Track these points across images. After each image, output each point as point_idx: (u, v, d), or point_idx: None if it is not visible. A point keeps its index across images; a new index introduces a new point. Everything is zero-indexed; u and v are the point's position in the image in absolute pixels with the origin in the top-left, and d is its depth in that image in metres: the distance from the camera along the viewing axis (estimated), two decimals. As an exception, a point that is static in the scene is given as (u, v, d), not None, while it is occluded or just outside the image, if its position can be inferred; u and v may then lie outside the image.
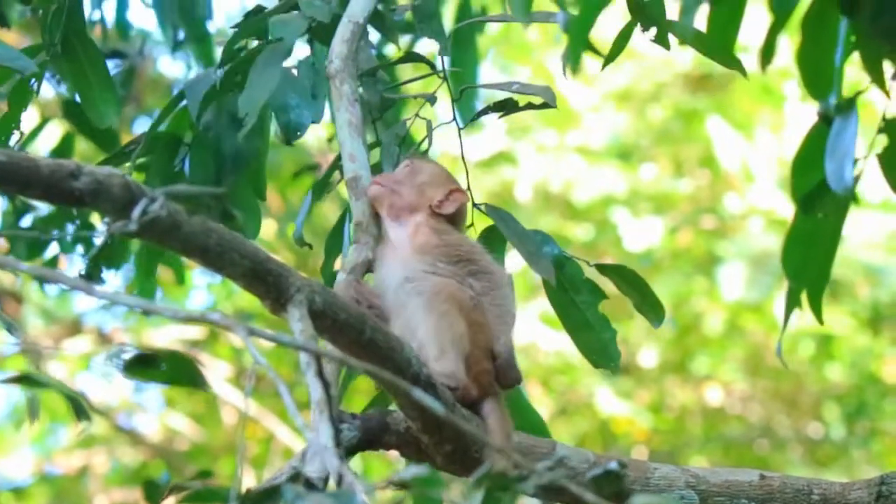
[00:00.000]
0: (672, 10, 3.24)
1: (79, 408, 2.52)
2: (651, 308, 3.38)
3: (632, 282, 3.37)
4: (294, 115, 3.42)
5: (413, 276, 3.04)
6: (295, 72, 3.47)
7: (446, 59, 3.55)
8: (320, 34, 3.46)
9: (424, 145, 3.50)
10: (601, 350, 3.36)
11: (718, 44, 3.25)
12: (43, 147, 5.28)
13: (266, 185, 3.59)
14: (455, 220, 3.16)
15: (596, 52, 4.56)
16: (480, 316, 3.02)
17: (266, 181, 3.59)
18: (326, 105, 3.49)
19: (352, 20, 3.36)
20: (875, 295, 8.97)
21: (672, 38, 3.30)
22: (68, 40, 3.58)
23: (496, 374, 3.01)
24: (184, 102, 3.51)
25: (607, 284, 3.40)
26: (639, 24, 3.26)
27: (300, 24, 3.42)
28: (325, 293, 2.60)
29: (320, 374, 2.39)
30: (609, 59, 3.34)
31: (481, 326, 3.01)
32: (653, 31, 3.27)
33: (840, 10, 2.39)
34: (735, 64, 3.22)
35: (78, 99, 3.70)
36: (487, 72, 8.88)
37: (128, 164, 3.48)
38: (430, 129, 3.50)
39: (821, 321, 2.71)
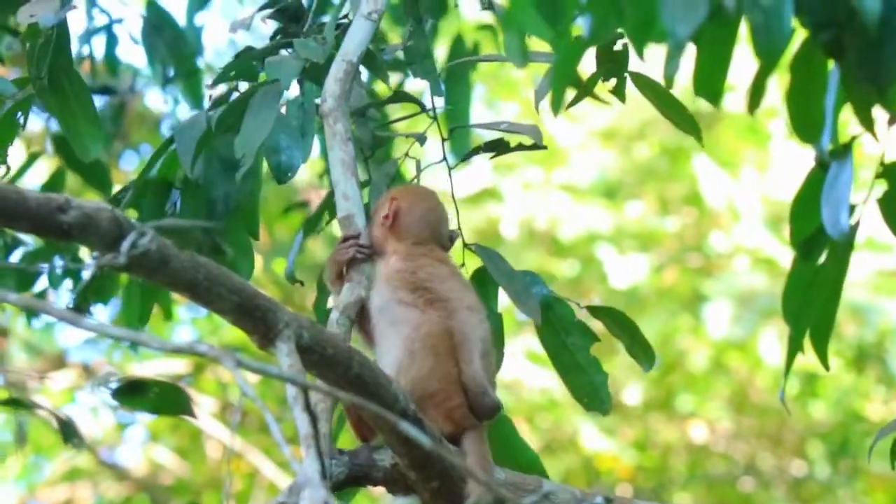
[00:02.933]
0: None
1: (68, 431, 2.52)
2: (641, 351, 3.36)
3: (622, 324, 3.36)
4: (285, 156, 3.40)
5: (384, 305, 3.05)
6: (283, 110, 3.46)
7: (438, 98, 3.56)
8: (313, 74, 3.46)
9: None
10: (592, 393, 3.34)
11: (672, 100, 3.35)
12: (32, 182, 5.28)
13: (259, 226, 3.56)
14: (402, 233, 3.13)
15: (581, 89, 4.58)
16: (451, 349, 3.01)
17: (259, 222, 3.56)
18: (315, 141, 3.49)
19: (345, 59, 3.36)
20: (860, 334, 8.98)
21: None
22: (55, 74, 3.56)
23: (470, 406, 2.98)
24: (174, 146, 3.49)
25: (596, 324, 3.38)
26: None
27: (296, 65, 3.42)
28: (312, 328, 2.61)
29: (308, 408, 2.39)
30: (572, 103, 3.38)
31: (451, 360, 2.99)
32: (612, 81, 3.33)
33: (827, 55, 2.38)
34: (689, 126, 3.31)
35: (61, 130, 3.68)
36: (475, 108, 8.88)
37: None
38: (419, 168, 3.51)
39: (826, 367, 2.68)
